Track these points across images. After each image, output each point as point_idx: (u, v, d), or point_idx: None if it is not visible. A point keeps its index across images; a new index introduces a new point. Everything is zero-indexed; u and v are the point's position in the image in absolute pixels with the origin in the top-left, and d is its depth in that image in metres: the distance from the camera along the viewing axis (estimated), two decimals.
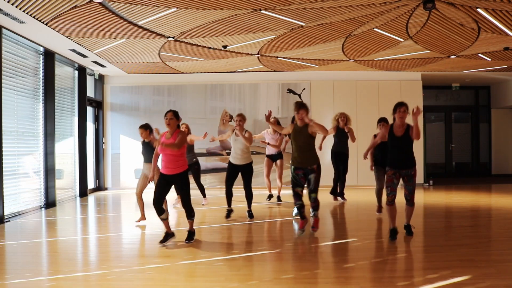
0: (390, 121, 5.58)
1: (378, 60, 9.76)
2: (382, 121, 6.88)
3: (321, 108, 11.37)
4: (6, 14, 6.18)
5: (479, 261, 4.53)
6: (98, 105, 11.42)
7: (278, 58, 9.50)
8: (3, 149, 6.87)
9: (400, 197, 5.52)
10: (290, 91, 11.52)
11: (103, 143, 11.42)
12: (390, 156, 5.29)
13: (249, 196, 6.93)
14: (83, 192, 10.13)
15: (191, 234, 5.52)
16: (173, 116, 5.41)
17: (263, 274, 4.26)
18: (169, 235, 5.44)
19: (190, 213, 5.46)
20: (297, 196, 5.58)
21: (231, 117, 11.46)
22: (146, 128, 6.62)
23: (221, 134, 6.88)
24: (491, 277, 3.95)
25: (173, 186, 5.51)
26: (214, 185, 11.35)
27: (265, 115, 6.00)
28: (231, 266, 4.49)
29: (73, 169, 9.97)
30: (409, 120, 5.17)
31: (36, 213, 7.87)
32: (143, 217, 6.77)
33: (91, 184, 10.87)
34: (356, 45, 8.33)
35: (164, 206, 5.50)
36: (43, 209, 8.28)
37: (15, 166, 7.55)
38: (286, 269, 4.45)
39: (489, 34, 7.41)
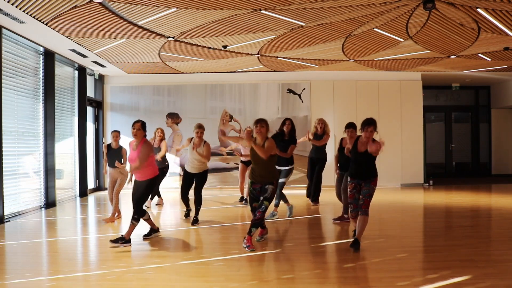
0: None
1: (378, 60, 9.76)
2: (350, 127, 6.49)
3: (321, 108, 11.37)
4: (6, 14, 6.18)
5: (479, 261, 4.53)
6: (98, 105, 11.42)
7: (278, 58, 9.49)
8: (3, 149, 6.87)
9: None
10: (290, 91, 11.52)
11: (103, 143, 11.41)
12: (352, 167, 5.24)
13: (198, 202, 6.68)
14: (83, 192, 10.13)
15: (121, 237, 5.33)
16: (140, 128, 5.27)
17: (263, 274, 4.26)
18: (153, 230, 5.76)
19: (134, 214, 5.37)
20: (255, 211, 5.26)
21: (231, 117, 11.47)
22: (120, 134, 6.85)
23: (181, 144, 6.87)
24: (491, 277, 3.96)
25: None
26: (214, 185, 11.34)
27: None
28: (231, 266, 4.49)
29: (73, 169, 9.97)
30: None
31: (36, 213, 7.87)
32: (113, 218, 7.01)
33: (91, 184, 10.86)
34: (356, 45, 8.33)
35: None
36: (43, 209, 8.28)
37: (15, 166, 7.55)
38: (286, 269, 4.45)
39: (489, 34, 7.41)
